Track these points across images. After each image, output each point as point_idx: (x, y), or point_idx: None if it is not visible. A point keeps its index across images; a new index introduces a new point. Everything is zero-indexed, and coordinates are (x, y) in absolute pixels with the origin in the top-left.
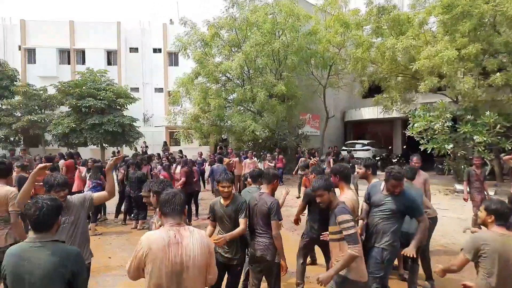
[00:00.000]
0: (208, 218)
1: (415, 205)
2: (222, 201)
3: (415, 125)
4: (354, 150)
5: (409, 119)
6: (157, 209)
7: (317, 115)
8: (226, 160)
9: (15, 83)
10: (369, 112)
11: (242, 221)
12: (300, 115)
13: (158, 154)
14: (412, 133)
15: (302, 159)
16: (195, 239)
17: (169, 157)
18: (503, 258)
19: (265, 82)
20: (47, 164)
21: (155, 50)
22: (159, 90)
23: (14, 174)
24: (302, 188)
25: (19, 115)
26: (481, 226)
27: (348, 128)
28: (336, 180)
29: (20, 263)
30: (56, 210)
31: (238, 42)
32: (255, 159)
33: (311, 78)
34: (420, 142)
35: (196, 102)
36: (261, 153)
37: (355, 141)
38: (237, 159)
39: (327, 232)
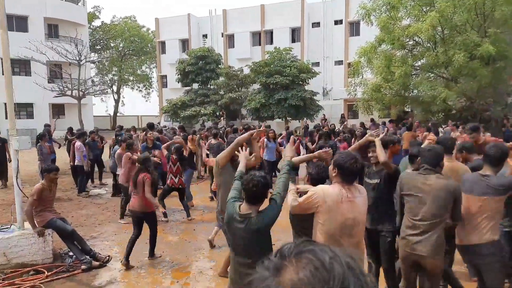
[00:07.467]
0: None
1: None
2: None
3: None
4: None
5: None
6: None
7: None
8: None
9: (219, 66)
10: None
11: None
12: (510, 80)
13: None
14: None
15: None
16: (363, 198)
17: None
18: None
19: (465, 42)
20: (252, 131)
21: (336, 22)
22: (339, 62)
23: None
24: None
25: (223, 93)
26: None
27: None
28: None
29: (231, 225)
30: (267, 187)
31: (431, 0)
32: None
33: None
34: None
35: (379, 71)
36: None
37: None
38: (427, 133)
39: None
